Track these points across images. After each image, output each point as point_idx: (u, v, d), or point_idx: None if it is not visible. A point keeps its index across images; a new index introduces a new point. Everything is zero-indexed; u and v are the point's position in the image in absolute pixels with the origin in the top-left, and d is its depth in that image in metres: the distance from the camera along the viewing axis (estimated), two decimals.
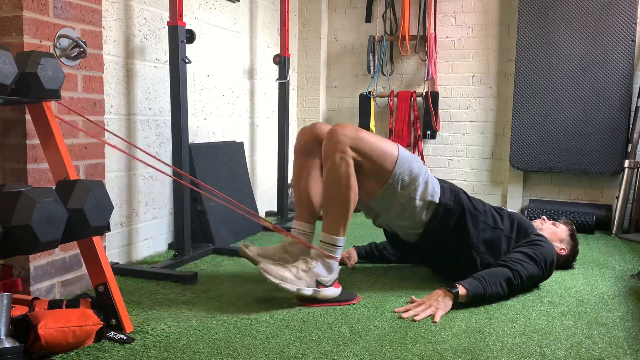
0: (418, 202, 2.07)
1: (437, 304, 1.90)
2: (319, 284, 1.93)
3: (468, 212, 2.15)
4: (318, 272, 1.93)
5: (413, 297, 2.01)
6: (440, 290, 1.96)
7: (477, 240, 2.15)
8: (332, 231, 1.96)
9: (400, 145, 2.11)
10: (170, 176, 2.45)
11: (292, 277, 1.89)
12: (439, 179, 2.21)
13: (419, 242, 2.18)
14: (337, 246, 1.97)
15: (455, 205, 2.13)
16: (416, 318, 1.83)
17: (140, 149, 2.14)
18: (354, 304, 1.98)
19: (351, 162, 1.94)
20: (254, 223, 3.20)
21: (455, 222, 2.13)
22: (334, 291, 1.97)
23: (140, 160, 2.13)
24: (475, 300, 1.95)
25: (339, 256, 1.98)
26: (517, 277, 2.03)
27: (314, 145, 2.14)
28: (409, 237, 2.20)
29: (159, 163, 2.01)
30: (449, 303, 1.91)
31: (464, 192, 2.24)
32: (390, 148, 2.05)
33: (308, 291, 1.91)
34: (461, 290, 1.94)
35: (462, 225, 2.14)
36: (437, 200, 2.10)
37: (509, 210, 2.37)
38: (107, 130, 2.03)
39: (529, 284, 2.12)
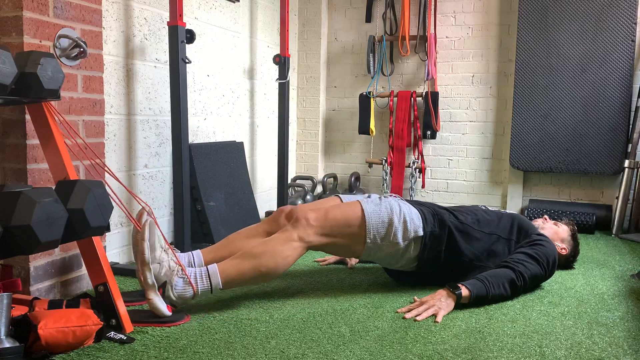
0: (403, 244, 2.04)
1: (440, 303, 1.89)
2: (163, 287, 1.75)
3: (456, 231, 2.11)
4: (175, 281, 1.76)
5: (415, 297, 2.00)
6: (443, 290, 1.96)
7: (472, 255, 2.12)
8: (223, 273, 1.83)
9: (362, 201, 2.07)
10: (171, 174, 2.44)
11: (157, 256, 1.74)
12: (417, 204, 2.17)
13: (417, 271, 2.16)
14: (211, 287, 1.81)
15: (440, 230, 2.09)
16: (418, 318, 1.83)
17: (132, 193, 2.13)
18: (179, 324, 1.75)
19: (301, 252, 1.93)
20: (253, 223, 3.19)
21: (446, 244, 2.10)
22: (163, 307, 1.73)
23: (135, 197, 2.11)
24: (477, 302, 1.95)
25: (198, 293, 1.79)
26: (520, 278, 2.03)
27: (284, 226, 2.05)
28: (406, 268, 2.17)
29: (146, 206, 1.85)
30: (451, 304, 1.91)
31: (448, 210, 2.19)
32: (354, 212, 2.02)
33: (150, 279, 1.71)
34: (464, 291, 1.93)
35: (454, 245, 2.10)
36: (421, 233, 2.05)
37: (509, 211, 2.36)
38: (108, 171, 2.03)
39: (532, 284, 2.11)
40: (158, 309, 1.73)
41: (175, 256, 1.82)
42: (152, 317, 1.74)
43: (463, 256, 2.11)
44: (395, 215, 2.03)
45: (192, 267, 1.98)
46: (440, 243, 2.09)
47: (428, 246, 2.07)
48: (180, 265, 1.81)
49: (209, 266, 1.86)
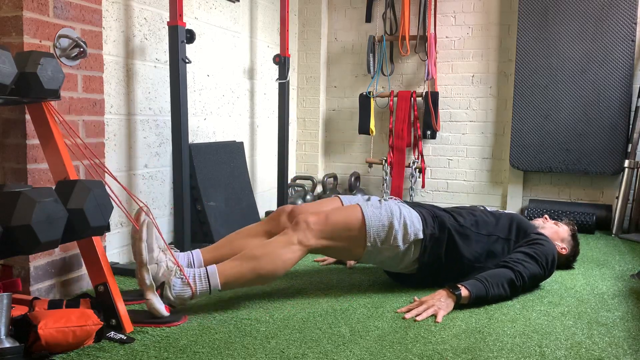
0: (403, 247, 2.04)
1: (440, 304, 1.90)
2: (161, 287, 1.75)
3: (456, 233, 2.11)
4: (173, 282, 1.76)
5: (415, 297, 2.00)
6: (443, 290, 1.96)
7: (472, 256, 2.12)
8: (222, 275, 1.82)
9: (362, 204, 2.07)
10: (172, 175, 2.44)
11: (155, 257, 1.75)
12: (416, 206, 2.17)
13: (416, 274, 2.15)
14: (210, 288, 1.80)
15: (440, 232, 2.09)
16: (418, 318, 1.83)
17: (134, 197, 2.13)
18: (176, 325, 1.75)
19: (301, 255, 1.93)
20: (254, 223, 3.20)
21: (445, 247, 2.10)
22: (161, 307, 1.73)
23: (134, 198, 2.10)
24: (477, 302, 1.95)
25: (196, 293, 1.79)
26: (520, 278, 2.03)
27: (284, 227, 2.07)
28: (406, 271, 2.17)
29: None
30: (450, 304, 1.91)
31: (447, 212, 2.19)
32: (354, 216, 2.02)
33: (147, 280, 1.71)
34: (464, 291, 1.93)
35: (454, 247, 2.10)
36: (421, 235, 2.06)
37: (508, 211, 2.36)
38: (107, 172, 2.03)
39: (531, 283, 2.11)
40: (156, 309, 1.73)
41: (173, 257, 1.82)
42: (150, 317, 1.74)
43: (463, 258, 2.11)
44: (395, 218, 2.03)
45: (192, 267, 1.99)
46: (440, 246, 2.09)
47: (428, 249, 2.07)
48: (178, 265, 1.80)
49: (208, 267, 1.85)
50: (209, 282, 1.81)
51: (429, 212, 2.14)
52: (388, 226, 2.02)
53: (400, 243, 2.03)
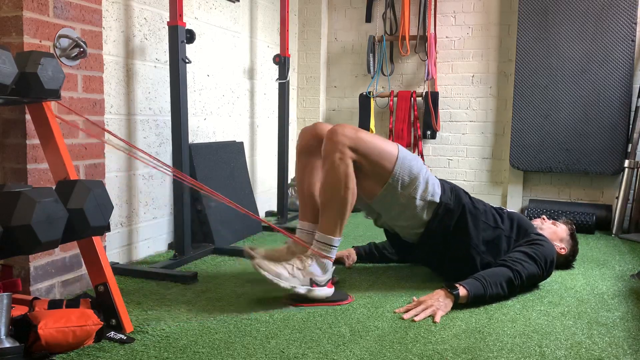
0: (418, 202, 2.08)
1: (438, 304, 1.90)
2: (312, 282, 1.93)
3: (468, 212, 2.15)
4: (313, 271, 1.93)
5: (414, 297, 2.00)
6: (441, 290, 1.96)
7: (477, 240, 2.15)
8: (328, 231, 1.97)
9: (400, 145, 2.11)
10: (171, 175, 2.45)
11: (287, 275, 1.89)
12: (439, 179, 2.22)
13: (419, 242, 2.19)
14: (333, 246, 1.97)
15: (455, 205, 2.14)
16: (416, 318, 1.83)
17: (141, 150, 2.15)
18: (346, 304, 1.98)
19: (350, 162, 1.96)
20: (254, 222, 3.20)
21: (455, 221, 2.13)
22: (326, 291, 1.97)
23: (141, 160, 2.13)
24: (475, 301, 1.96)
25: (333, 256, 1.98)
26: (518, 277, 2.03)
27: (316, 145, 2.12)
28: (409, 237, 2.21)
29: (160, 163, 2.01)
30: (449, 304, 1.92)
31: (465, 192, 2.24)
32: (390, 148, 2.06)
33: (302, 289, 1.90)
34: (462, 291, 1.94)
35: (463, 224, 2.14)
36: (437, 200, 2.11)
37: (509, 210, 2.37)
38: (107, 131, 2.02)
39: (529, 283, 2.12)
40: (323, 297, 1.95)
41: (298, 240, 2.04)
42: (325, 301, 1.97)
43: (469, 238, 2.14)
44: (422, 174, 2.08)
45: (311, 235, 2.09)
46: (452, 218, 2.13)
47: (440, 216, 2.12)
48: (304, 245, 2.00)
49: (317, 237, 1.98)
50: (327, 244, 1.96)
51: (449, 186, 2.21)
52: (414, 176, 2.06)
53: (417, 196, 2.07)
